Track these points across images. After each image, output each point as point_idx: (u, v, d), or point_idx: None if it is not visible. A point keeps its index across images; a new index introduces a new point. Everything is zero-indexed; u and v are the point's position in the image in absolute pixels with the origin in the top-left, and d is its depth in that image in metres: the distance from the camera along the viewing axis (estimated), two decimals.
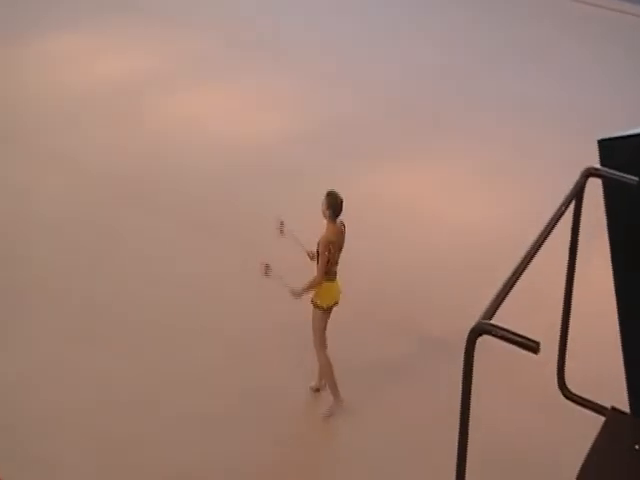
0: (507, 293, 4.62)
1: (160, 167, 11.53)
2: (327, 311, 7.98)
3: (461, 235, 10.68)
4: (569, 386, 6.07)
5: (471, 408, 4.49)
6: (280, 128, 12.29)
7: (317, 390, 8.52)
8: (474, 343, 4.48)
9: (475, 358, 4.38)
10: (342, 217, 7.84)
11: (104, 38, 14.37)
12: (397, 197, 11.26)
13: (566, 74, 14.27)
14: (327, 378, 8.17)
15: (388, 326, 9.30)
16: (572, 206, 5.29)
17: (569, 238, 5.66)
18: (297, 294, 7.79)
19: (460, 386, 4.45)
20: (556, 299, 6.26)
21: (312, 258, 7.86)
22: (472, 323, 4.40)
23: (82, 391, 8.38)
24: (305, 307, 7.98)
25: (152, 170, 11.49)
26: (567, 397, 6.12)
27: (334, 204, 7.67)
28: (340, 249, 7.83)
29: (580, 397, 6.10)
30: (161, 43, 14.27)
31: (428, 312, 9.50)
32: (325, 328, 8.01)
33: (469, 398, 4.48)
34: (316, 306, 7.90)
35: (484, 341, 4.45)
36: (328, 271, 7.79)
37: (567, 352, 6.02)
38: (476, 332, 4.46)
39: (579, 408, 6.09)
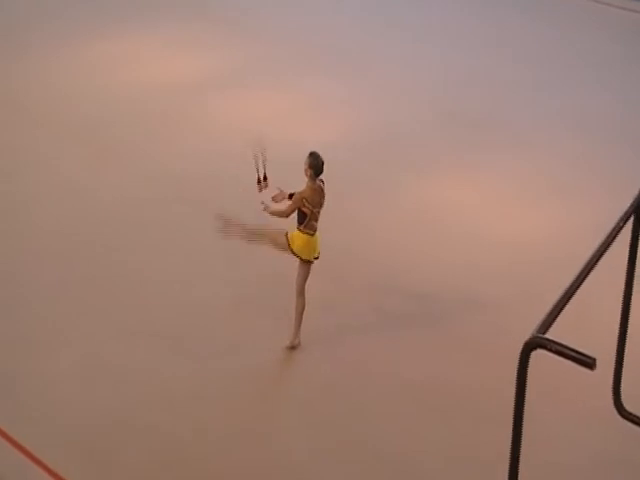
0: (562, 307, 4.56)
1: (216, 169, 11.57)
2: (306, 263, 8.63)
3: (511, 250, 10.56)
4: (625, 405, 5.97)
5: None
6: (330, 134, 12.30)
7: (293, 348, 8.99)
8: (528, 357, 4.42)
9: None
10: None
11: (166, 39, 14.53)
12: (444, 209, 11.17)
13: (627, 90, 14.08)
14: (296, 316, 8.80)
15: (434, 337, 9.23)
16: (630, 222, 5.21)
17: (626, 254, 5.56)
18: (266, 208, 8.61)
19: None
20: (610, 315, 6.17)
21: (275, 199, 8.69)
22: (521, 337, 4.35)
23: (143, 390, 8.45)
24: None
25: (207, 171, 11.54)
26: (624, 416, 6.02)
27: (315, 164, 8.41)
28: (320, 206, 8.54)
29: (637, 416, 5.99)
30: (221, 45, 14.39)
31: (477, 325, 9.41)
32: (305, 279, 8.69)
33: (522, 413, 4.42)
34: (299, 258, 8.63)
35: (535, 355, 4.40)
36: (308, 225, 8.53)
37: (623, 370, 5.92)
38: (530, 346, 4.40)
39: (635, 427, 5.98)
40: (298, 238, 8.58)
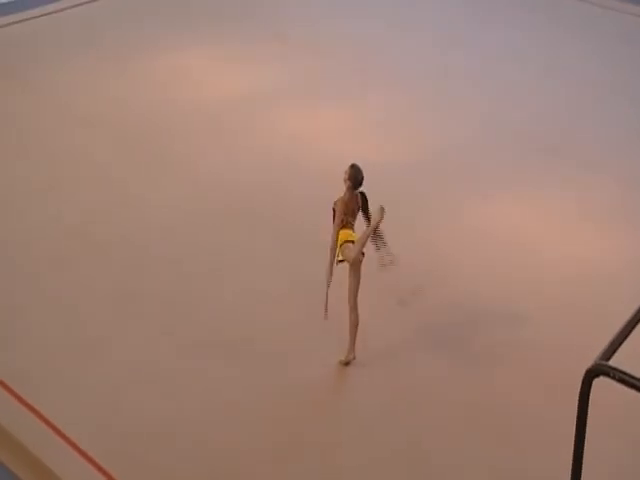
0: (627, 335, 4.47)
1: (267, 182, 11.58)
2: (355, 269, 8.55)
3: (574, 274, 10.37)
4: None
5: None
6: (390, 152, 12.24)
7: (347, 363, 8.88)
8: (590, 385, 4.35)
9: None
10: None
11: (222, 54, 14.61)
12: (506, 229, 11.03)
13: None
14: (351, 330, 8.73)
15: (490, 357, 9.13)
16: None
17: None
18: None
19: None
20: None
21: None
22: (581, 363, 4.27)
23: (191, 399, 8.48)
24: None
25: (259, 184, 11.55)
26: None
27: (355, 177, 8.44)
28: (353, 215, 8.54)
29: None
30: (277, 60, 14.41)
31: (536, 348, 9.28)
32: (355, 291, 8.62)
33: (583, 441, 4.34)
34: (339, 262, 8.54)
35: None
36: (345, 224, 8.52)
37: None
38: (593, 373, 4.32)
39: None
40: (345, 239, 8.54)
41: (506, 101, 13.61)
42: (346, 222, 8.51)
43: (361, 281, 8.66)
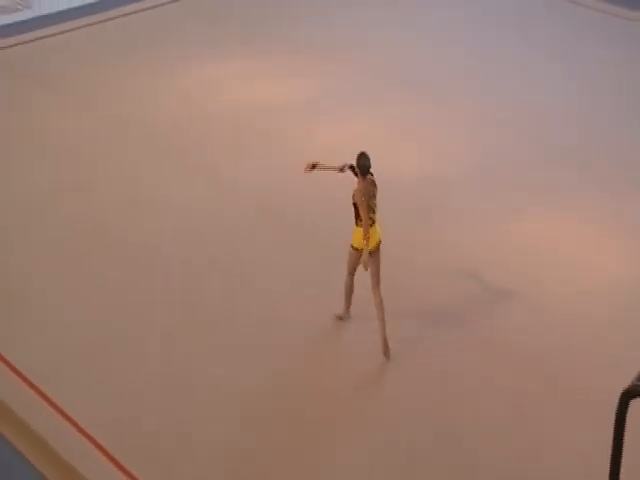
0: None
1: (298, 190, 11.58)
2: (358, 251, 9.02)
3: (607, 289, 10.34)
4: None
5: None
6: (421, 165, 12.25)
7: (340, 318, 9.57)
8: (627, 406, 4.35)
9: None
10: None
11: (256, 66, 14.66)
12: (541, 246, 10.98)
13: None
14: (345, 296, 9.44)
15: (524, 376, 9.14)
16: None
17: None
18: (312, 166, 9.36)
19: None
20: None
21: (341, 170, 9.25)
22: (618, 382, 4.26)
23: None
24: None
25: (290, 192, 11.58)
26: None
27: (361, 165, 8.92)
28: (373, 197, 8.98)
29: None
30: (307, 71, 14.38)
31: (570, 367, 9.28)
32: (354, 265, 9.13)
33: (619, 462, 4.32)
34: (351, 246, 9.13)
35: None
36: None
37: None
38: (630, 395, 4.31)
39: None
40: (356, 232, 9.03)
41: (539, 118, 13.58)
42: (368, 207, 8.88)
43: None
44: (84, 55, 14.83)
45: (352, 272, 9.29)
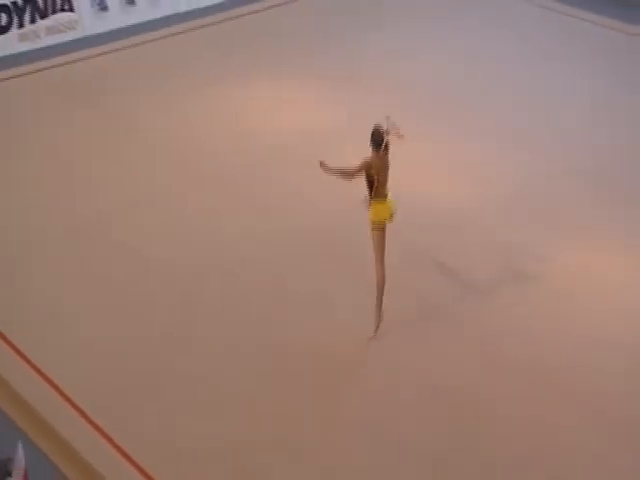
0: None
1: (338, 217, 11.68)
2: (379, 227, 9.27)
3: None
4: None
5: None
6: (470, 192, 12.24)
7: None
8: None
9: None
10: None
11: (295, 89, 14.71)
12: (572, 273, 10.94)
13: None
14: (377, 291, 9.45)
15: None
16: None
17: None
18: (327, 167, 9.29)
19: None
20: None
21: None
22: None
23: None
24: None
25: (327, 215, 11.66)
26: None
27: (373, 139, 9.24)
28: (383, 172, 9.27)
29: None
30: (350, 95, 14.38)
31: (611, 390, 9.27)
32: (383, 245, 9.30)
33: None
34: (371, 222, 9.33)
35: None
36: (377, 193, 9.27)
37: None
38: None
39: None
40: (374, 207, 9.30)
41: (578, 141, 13.53)
42: (378, 182, 9.23)
43: None
44: (125, 77, 15.08)
45: (383, 257, 9.31)
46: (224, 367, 9.40)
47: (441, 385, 9.21)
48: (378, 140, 9.23)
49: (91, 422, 8.64)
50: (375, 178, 9.23)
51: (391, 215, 9.36)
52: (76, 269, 10.71)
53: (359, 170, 9.21)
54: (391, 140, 9.26)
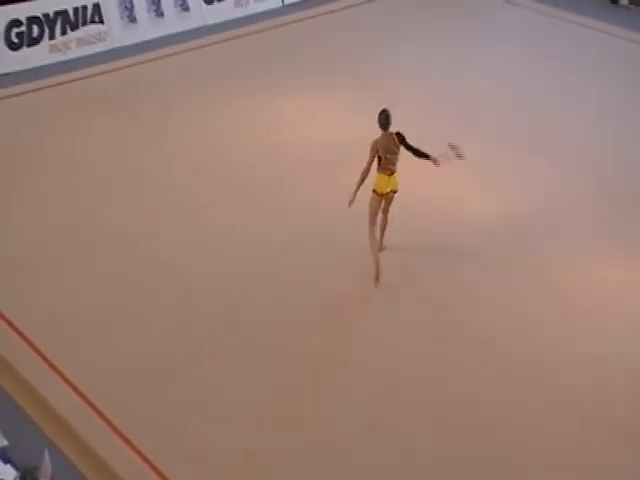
0: None
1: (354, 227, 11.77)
2: (380, 196, 10.54)
3: None
4: None
5: None
6: (488, 204, 12.27)
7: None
8: None
9: None
10: None
11: (324, 103, 14.79)
12: (607, 292, 10.94)
13: None
14: (372, 252, 10.57)
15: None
16: None
17: None
18: (353, 199, 10.54)
19: None
20: None
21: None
22: None
23: None
24: None
25: (352, 231, 11.73)
26: None
27: (380, 121, 10.46)
28: (391, 152, 10.45)
29: None
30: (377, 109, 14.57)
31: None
32: (377, 211, 10.59)
33: None
34: (373, 191, 10.54)
35: None
36: (383, 167, 10.46)
37: None
38: None
39: None
40: (378, 178, 10.52)
41: (604, 158, 13.53)
42: (384, 159, 10.39)
43: None
44: (155, 89, 15.24)
45: (374, 219, 10.58)
46: (247, 374, 9.51)
47: (444, 394, 9.28)
48: (383, 123, 10.45)
49: (119, 433, 8.76)
50: (383, 155, 10.39)
51: (392, 190, 10.56)
52: (104, 280, 10.82)
53: (371, 157, 10.45)
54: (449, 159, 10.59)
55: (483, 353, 9.87)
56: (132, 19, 16.81)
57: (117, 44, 16.56)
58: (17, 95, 14.84)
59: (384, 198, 10.60)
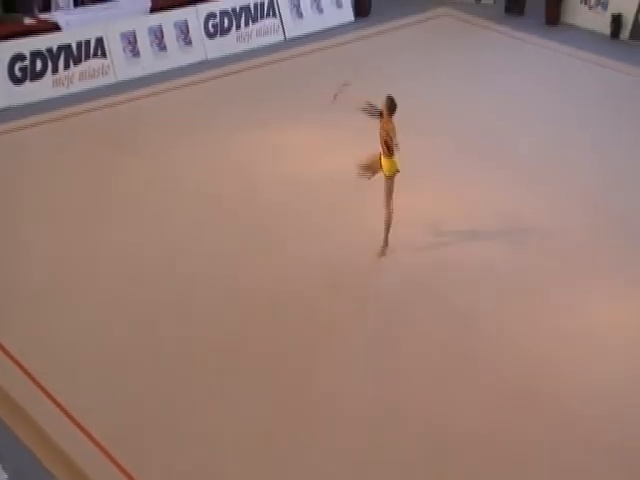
0: None
1: (356, 258, 11.75)
2: (390, 177, 11.38)
3: None
4: None
5: None
6: (492, 235, 12.24)
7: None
8: None
9: None
10: None
11: (325, 135, 14.92)
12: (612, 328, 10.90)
13: None
14: (385, 225, 11.59)
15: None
16: None
17: None
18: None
19: None
20: None
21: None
22: None
23: None
24: None
25: (351, 261, 11.73)
26: None
27: (387, 106, 11.25)
28: (394, 134, 11.21)
29: None
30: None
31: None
32: (392, 189, 11.43)
33: None
34: (387, 173, 11.44)
35: None
36: (391, 151, 11.20)
37: None
38: None
39: None
40: (386, 162, 11.33)
41: (608, 187, 13.55)
42: (392, 140, 11.12)
43: None
44: (163, 121, 15.30)
45: (391, 199, 11.43)
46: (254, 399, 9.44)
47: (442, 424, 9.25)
48: (389, 107, 11.20)
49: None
50: (390, 138, 11.16)
51: (397, 170, 11.37)
52: (120, 317, 10.74)
53: (387, 141, 11.15)
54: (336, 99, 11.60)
55: (483, 379, 9.85)
56: (135, 53, 16.93)
57: (120, 78, 16.67)
58: (21, 129, 14.93)
59: (389, 178, 11.42)
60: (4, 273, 11.41)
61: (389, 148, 11.24)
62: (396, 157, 11.31)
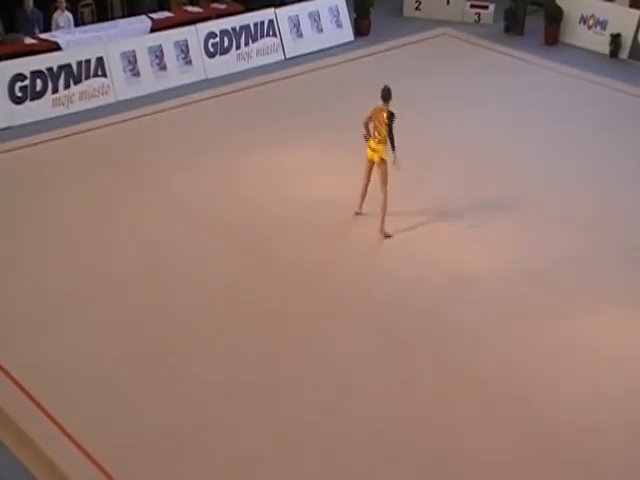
0: None
1: (357, 283, 11.72)
2: (384, 163, 12.17)
3: None
4: None
5: None
6: (492, 261, 12.13)
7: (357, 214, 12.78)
8: None
9: None
10: None
11: (326, 155, 14.87)
12: (615, 346, 10.83)
13: None
14: (382, 210, 12.32)
15: None
16: None
17: None
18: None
19: None
20: None
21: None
22: None
23: None
24: None
25: (351, 285, 11.69)
26: None
27: (382, 93, 12.12)
28: (378, 121, 12.11)
29: None
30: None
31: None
32: (386, 176, 12.22)
33: None
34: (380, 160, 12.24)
35: None
36: (372, 134, 12.15)
37: None
38: None
39: None
40: (378, 147, 12.10)
41: (616, 217, 13.49)
42: (373, 126, 12.10)
43: None
44: (162, 140, 15.28)
45: (385, 184, 12.22)
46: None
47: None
48: (384, 95, 12.08)
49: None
50: (373, 120, 12.03)
51: (380, 158, 12.10)
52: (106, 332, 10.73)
53: (368, 117, 12.14)
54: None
55: (482, 400, 9.78)
56: (135, 73, 16.95)
57: (120, 97, 16.68)
58: (21, 148, 14.89)
59: (379, 167, 12.16)
60: (3, 290, 11.40)
61: (389, 137, 11.90)
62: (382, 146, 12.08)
